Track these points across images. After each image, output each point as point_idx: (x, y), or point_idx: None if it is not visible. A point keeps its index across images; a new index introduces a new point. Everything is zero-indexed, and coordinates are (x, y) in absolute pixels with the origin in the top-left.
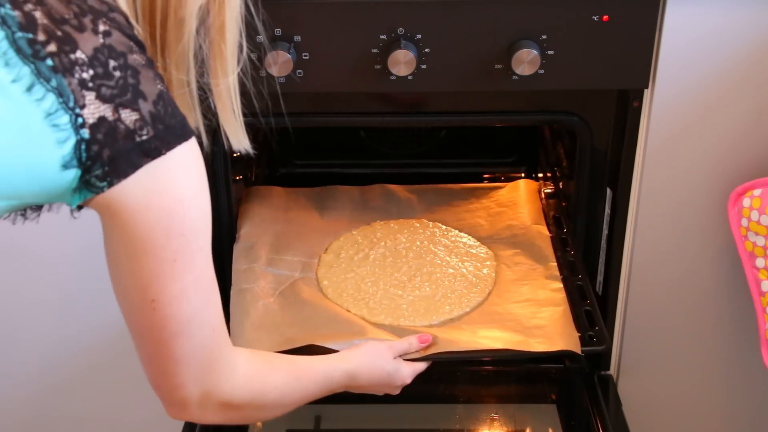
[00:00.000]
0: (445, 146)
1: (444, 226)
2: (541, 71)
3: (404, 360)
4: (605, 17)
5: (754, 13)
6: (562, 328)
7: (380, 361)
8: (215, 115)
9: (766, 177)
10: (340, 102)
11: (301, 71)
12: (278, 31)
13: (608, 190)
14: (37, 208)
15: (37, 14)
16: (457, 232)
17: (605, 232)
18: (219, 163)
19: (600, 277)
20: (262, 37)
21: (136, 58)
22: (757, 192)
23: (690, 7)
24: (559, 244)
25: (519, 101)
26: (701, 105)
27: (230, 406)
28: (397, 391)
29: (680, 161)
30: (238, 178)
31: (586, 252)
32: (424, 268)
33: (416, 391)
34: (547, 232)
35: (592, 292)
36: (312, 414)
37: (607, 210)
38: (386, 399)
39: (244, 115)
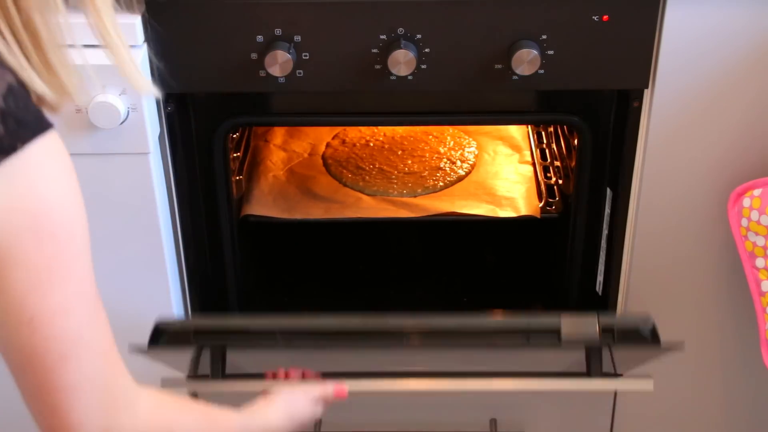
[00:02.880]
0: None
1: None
2: (541, 71)
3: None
4: (605, 17)
5: (754, 13)
6: (527, 199)
7: (297, 411)
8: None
9: (766, 177)
10: (340, 102)
11: (301, 71)
12: (278, 31)
13: (608, 190)
14: None
15: None
16: (447, 126)
17: (605, 232)
18: (218, 161)
19: (600, 277)
20: (261, 37)
21: None
22: (757, 192)
23: (690, 7)
24: (536, 138)
25: (519, 101)
26: (701, 105)
27: None
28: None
29: (680, 161)
30: (238, 178)
31: (586, 252)
32: (415, 153)
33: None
34: (526, 128)
35: (561, 174)
36: None
37: (607, 210)
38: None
39: (247, 114)
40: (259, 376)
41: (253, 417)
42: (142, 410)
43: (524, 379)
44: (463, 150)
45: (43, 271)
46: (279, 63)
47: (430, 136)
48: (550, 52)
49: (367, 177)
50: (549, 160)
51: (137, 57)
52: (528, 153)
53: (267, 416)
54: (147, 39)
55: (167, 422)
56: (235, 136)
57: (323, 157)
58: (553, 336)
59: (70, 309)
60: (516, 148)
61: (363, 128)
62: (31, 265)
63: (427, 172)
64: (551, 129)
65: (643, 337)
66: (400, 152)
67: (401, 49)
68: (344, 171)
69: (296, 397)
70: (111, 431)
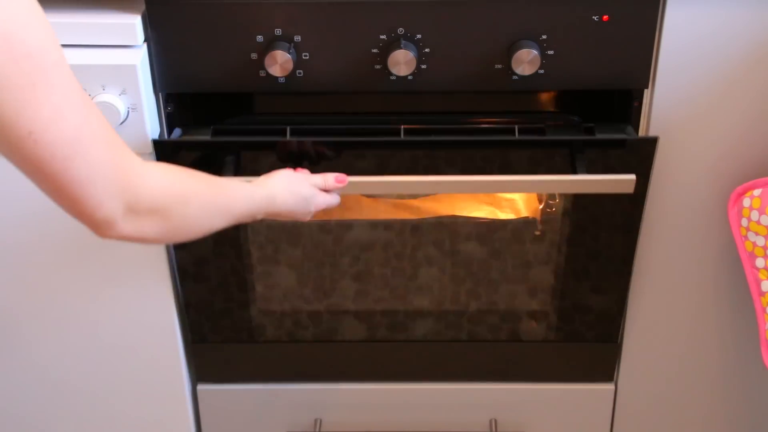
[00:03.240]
0: None
1: None
2: (541, 71)
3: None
4: (605, 17)
5: (755, 14)
6: (527, 202)
7: (297, 186)
8: None
9: (766, 177)
10: (340, 102)
11: (301, 71)
12: (278, 31)
13: None
14: None
15: None
16: None
17: None
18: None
19: None
20: (261, 38)
21: None
22: (757, 192)
23: (690, 7)
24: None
25: (519, 101)
26: (701, 105)
27: (156, 211)
28: (308, 217)
29: (680, 161)
30: None
31: None
32: None
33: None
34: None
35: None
36: (312, 417)
37: None
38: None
39: (247, 114)
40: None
41: (256, 187)
42: (156, 180)
43: (512, 176)
44: None
45: (28, 88)
46: (279, 63)
47: None
48: (550, 52)
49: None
50: None
51: (137, 57)
52: None
53: (268, 185)
54: (147, 39)
55: (181, 187)
56: None
57: None
58: (539, 131)
59: (63, 115)
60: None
61: None
62: (16, 85)
63: None
64: None
65: (621, 133)
66: None
67: (401, 49)
68: None
69: (297, 176)
70: (131, 205)
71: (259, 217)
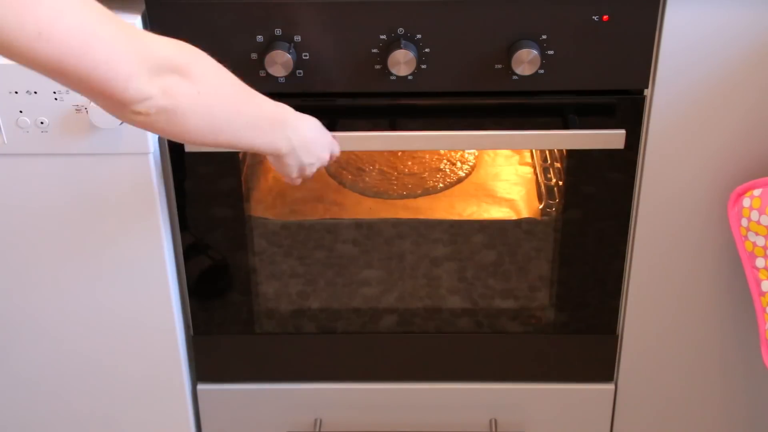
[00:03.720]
0: None
1: None
2: (541, 71)
3: None
4: (605, 17)
5: (755, 14)
6: (527, 201)
7: (309, 117)
8: None
9: (766, 177)
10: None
11: (301, 71)
12: (278, 31)
13: None
14: None
15: None
16: None
17: None
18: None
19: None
20: (261, 37)
21: None
22: (757, 192)
23: (690, 7)
24: None
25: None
26: (701, 105)
27: (176, 68)
28: (327, 154)
29: (680, 161)
30: None
31: None
32: (416, 154)
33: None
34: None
35: (560, 173)
36: (312, 417)
37: None
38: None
39: None
40: None
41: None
42: (167, 40)
43: (506, 131)
44: (463, 151)
45: None
46: (279, 63)
47: None
48: (550, 52)
49: (367, 178)
50: (549, 162)
51: None
52: (528, 154)
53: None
54: None
55: (191, 47)
56: None
57: None
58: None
59: (63, 7)
60: (518, 150)
61: None
62: None
63: (427, 173)
64: None
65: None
66: (400, 153)
67: (401, 49)
68: (344, 172)
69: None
70: (152, 66)
71: (289, 134)
